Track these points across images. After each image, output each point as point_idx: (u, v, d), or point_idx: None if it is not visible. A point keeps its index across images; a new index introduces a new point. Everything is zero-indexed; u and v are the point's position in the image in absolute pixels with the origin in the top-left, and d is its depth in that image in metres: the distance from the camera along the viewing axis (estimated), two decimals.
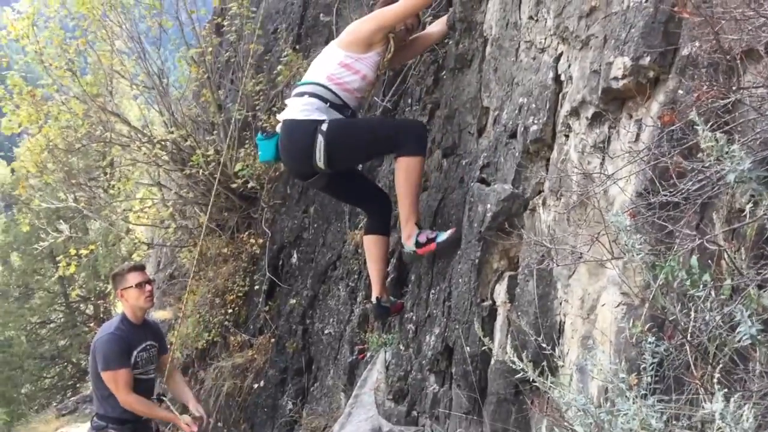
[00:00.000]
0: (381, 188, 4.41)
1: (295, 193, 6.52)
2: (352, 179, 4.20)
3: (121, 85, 8.80)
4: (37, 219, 10.44)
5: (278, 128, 3.95)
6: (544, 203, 2.86)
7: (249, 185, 6.61)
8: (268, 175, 6.68)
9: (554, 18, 2.92)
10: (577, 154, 2.62)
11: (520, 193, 3.06)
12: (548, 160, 2.92)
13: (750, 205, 1.54)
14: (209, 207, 5.38)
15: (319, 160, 3.71)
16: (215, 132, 7.30)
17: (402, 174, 3.69)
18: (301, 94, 3.83)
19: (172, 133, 7.24)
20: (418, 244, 3.65)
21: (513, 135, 3.22)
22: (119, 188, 8.38)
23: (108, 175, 9.30)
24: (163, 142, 7.31)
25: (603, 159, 2.44)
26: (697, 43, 1.95)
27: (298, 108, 3.79)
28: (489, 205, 3.15)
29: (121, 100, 10.51)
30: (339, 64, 3.83)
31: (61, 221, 9.53)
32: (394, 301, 4.20)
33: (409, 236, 3.70)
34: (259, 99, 6.91)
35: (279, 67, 6.55)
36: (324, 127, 3.68)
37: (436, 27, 4.29)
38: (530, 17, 3.22)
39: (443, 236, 3.54)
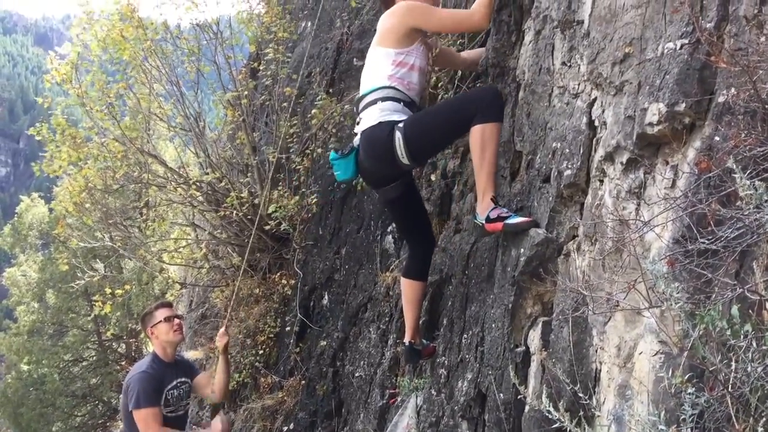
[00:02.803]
0: (433, 234, 4.33)
1: (327, 235, 6.55)
2: (419, 210, 4.17)
3: (159, 127, 9.00)
4: (74, 258, 10.62)
5: (355, 142, 3.92)
6: (578, 248, 2.84)
7: (281, 226, 6.67)
8: (300, 216, 6.73)
9: (588, 64, 2.94)
10: (611, 199, 2.61)
11: (554, 237, 3.04)
12: (582, 204, 2.91)
13: None
14: (246, 250, 5.42)
15: (402, 156, 3.64)
16: (249, 174, 7.40)
17: (477, 143, 3.51)
18: (374, 102, 3.77)
19: (208, 174, 7.36)
20: (488, 219, 3.43)
21: (546, 179, 3.22)
22: (154, 228, 8.51)
23: (144, 215, 9.46)
24: (198, 183, 7.43)
25: (638, 205, 2.42)
26: (733, 91, 1.94)
27: (375, 115, 3.74)
28: (523, 250, 3.13)
29: (158, 141, 10.75)
30: (393, 64, 3.77)
31: (97, 260, 9.69)
32: (426, 344, 4.17)
33: (484, 209, 3.49)
34: (293, 141, 7.01)
35: (313, 110, 6.65)
36: (401, 124, 3.65)
37: (473, 54, 4.34)
38: (563, 63, 3.24)
39: (515, 219, 3.31)
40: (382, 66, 3.80)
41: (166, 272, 10.47)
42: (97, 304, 8.50)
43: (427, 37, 3.97)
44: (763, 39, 1.79)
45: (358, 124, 3.91)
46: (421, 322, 4.28)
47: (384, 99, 3.74)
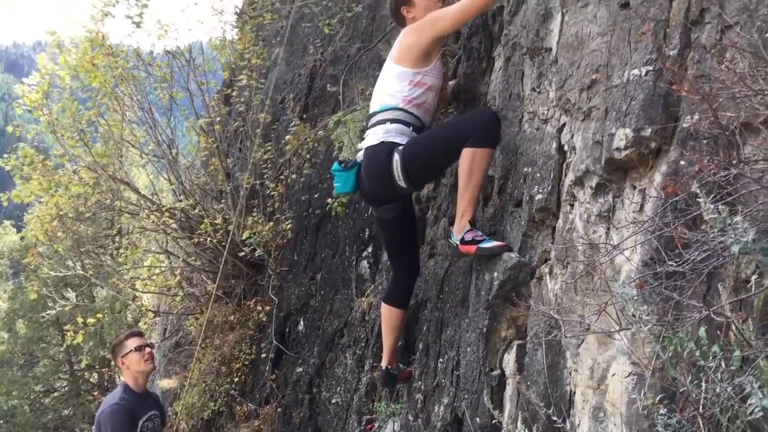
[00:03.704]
0: (419, 262, 4.28)
1: (302, 260, 6.53)
2: (411, 234, 4.11)
3: (131, 154, 8.95)
4: (44, 287, 10.45)
5: (358, 157, 3.89)
6: (550, 272, 2.87)
7: (256, 253, 6.64)
8: (275, 242, 6.71)
9: (556, 90, 2.99)
10: (582, 222, 2.64)
11: (526, 261, 3.07)
12: (554, 228, 2.95)
13: (755, 276, 1.55)
14: (218, 276, 5.38)
15: (399, 179, 3.62)
16: (223, 200, 7.38)
17: (465, 166, 3.46)
18: (383, 121, 3.74)
19: (181, 201, 7.32)
20: (463, 240, 3.44)
21: (518, 204, 3.26)
22: (127, 256, 8.42)
23: (116, 243, 9.36)
24: (171, 210, 7.38)
25: (608, 228, 2.46)
26: (696, 116, 2.00)
27: (380, 134, 3.71)
28: (496, 273, 3.16)
29: (131, 168, 10.67)
30: (411, 84, 3.71)
31: (68, 289, 9.55)
32: (403, 369, 4.16)
33: (459, 230, 3.49)
34: (267, 167, 7.01)
35: (287, 136, 6.67)
36: (400, 147, 3.62)
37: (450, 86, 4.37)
38: (533, 89, 3.30)
39: (488, 243, 3.32)
40: (398, 85, 3.74)
41: (139, 300, 10.35)
42: (68, 333, 8.38)
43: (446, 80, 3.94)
44: (723, 67, 1.84)
45: (363, 139, 3.88)
46: (397, 357, 4.27)
47: (393, 121, 3.70)
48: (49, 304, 9.63)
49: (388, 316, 4.05)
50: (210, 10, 7.97)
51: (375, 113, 3.82)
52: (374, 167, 3.73)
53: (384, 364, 4.08)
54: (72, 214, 7.72)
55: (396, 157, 3.60)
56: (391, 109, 3.73)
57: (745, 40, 1.89)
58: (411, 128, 3.69)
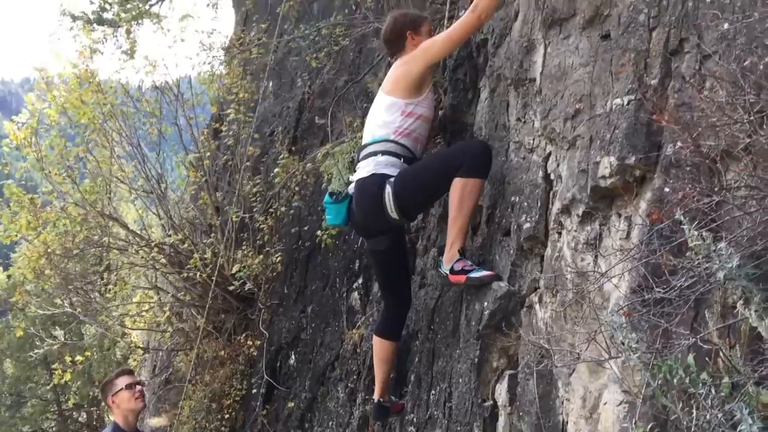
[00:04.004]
0: (411, 295, 4.23)
1: (293, 293, 6.50)
2: (402, 267, 4.10)
3: (120, 189, 8.92)
4: (32, 325, 10.34)
5: (349, 189, 3.89)
6: (540, 300, 2.88)
7: (246, 286, 6.60)
8: (264, 276, 6.68)
9: (541, 120, 3.02)
10: (570, 251, 2.65)
11: (516, 290, 3.08)
12: (542, 257, 2.96)
13: (741, 301, 1.55)
14: (206, 310, 5.34)
15: (392, 210, 3.61)
16: (213, 234, 7.35)
17: (456, 196, 3.46)
18: (374, 153, 3.74)
19: (170, 236, 7.29)
20: (452, 270, 3.44)
21: (507, 233, 3.27)
22: (115, 292, 8.35)
23: (104, 279, 9.29)
24: (160, 246, 7.35)
25: (596, 256, 2.47)
26: (678, 144, 2.02)
27: (371, 166, 3.72)
28: (486, 303, 3.16)
29: (119, 203, 10.63)
30: (402, 115, 3.71)
31: (56, 327, 9.45)
32: (395, 401, 4.13)
33: (449, 259, 3.50)
34: (256, 200, 7.00)
35: (276, 169, 6.68)
36: (391, 179, 3.62)
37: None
38: (518, 119, 3.34)
39: (478, 273, 3.32)
40: (389, 117, 3.75)
41: (128, 337, 10.24)
42: (56, 372, 8.26)
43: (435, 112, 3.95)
44: (703, 96, 1.87)
45: (355, 171, 3.89)
46: (389, 390, 4.24)
47: (384, 153, 3.71)
48: (37, 343, 9.51)
49: (380, 348, 4.02)
50: (198, 45, 8.05)
51: (366, 145, 3.84)
52: (366, 199, 3.73)
53: (376, 396, 4.04)
54: (60, 251, 7.67)
55: (388, 189, 3.61)
56: (382, 141, 3.75)
57: (723, 69, 1.93)
58: (402, 160, 3.70)
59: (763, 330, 1.51)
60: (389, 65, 4.06)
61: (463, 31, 3.59)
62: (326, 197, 3.99)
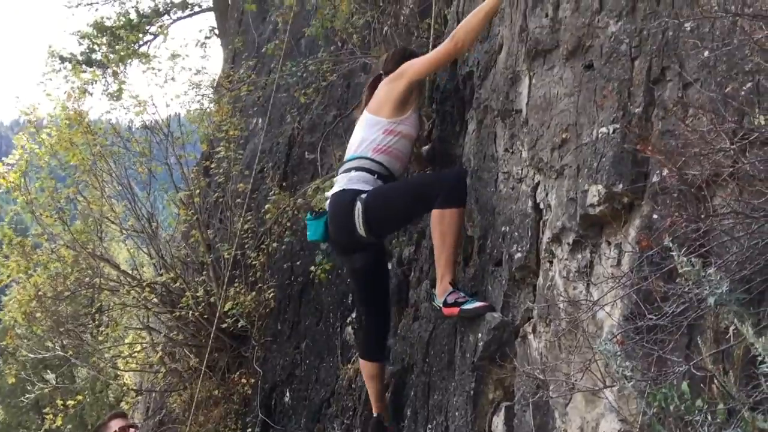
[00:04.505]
0: (389, 315, 4.29)
1: (286, 329, 6.46)
2: (380, 286, 4.14)
3: (111, 229, 8.89)
4: (23, 370, 10.20)
5: (326, 205, 3.92)
6: (534, 330, 2.87)
7: (239, 324, 6.56)
8: (257, 312, 6.64)
9: (529, 150, 3.05)
10: (562, 279, 2.66)
11: (509, 320, 3.07)
12: (535, 286, 2.96)
13: (733, 327, 1.56)
14: (207, 350, 5.28)
15: (359, 227, 3.64)
16: (205, 272, 7.32)
17: (437, 229, 3.51)
18: (349, 170, 3.81)
19: (162, 275, 7.25)
20: (445, 303, 3.44)
21: (498, 263, 3.27)
22: (107, 333, 8.27)
23: (96, 321, 9.21)
24: (152, 285, 7.31)
25: (588, 284, 2.48)
26: (665, 171, 2.04)
27: (344, 181, 3.77)
28: (480, 334, 3.15)
29: (110, 243, 10.59)
30: (384, 133, 3.79)
31: (48, 371, 9.33)
32: (391, 425, 4.11)
33: (441, 292, 3.49)
34: (247, 237, 6.99)
35: (267, 205, 6.68)
36: (363, 195, 3.65)
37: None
38: (506, 149, 3.36)
39: (471, 305, 3.30)
40: (369, 135, 3.83)
41: (120, 379, 10.12)
42: (48, 417, 8.13)
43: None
44: (686, 124, 1.89)
45: (334, 184, 3.93)
46: (386, 406, 4.20)
47: (357, 169, 3.77)
48: (28, 388, 9.38)
49: (367, 369, 4.08)
50: (187, 83, 8.11)
51: (344, 162, 3.93)
52: (337, 214, 3.78)
53: (375, 411, 4.07)
54: (51, 294, 7.61)
55: (358, 204, 3.64)
56: (358, 158, 3.82)
57: (705, 96, 1.96)
58: (375, 176, 3.76)
59: (760, 347, 1.51)
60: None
61: (441, 56, 3.77)
62: (308, 214, 4.06)
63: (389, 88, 3.85)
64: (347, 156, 3.94)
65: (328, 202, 3.90)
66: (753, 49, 1.83)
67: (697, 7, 2.06)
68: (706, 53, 2.09)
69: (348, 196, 3.70)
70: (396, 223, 4.11)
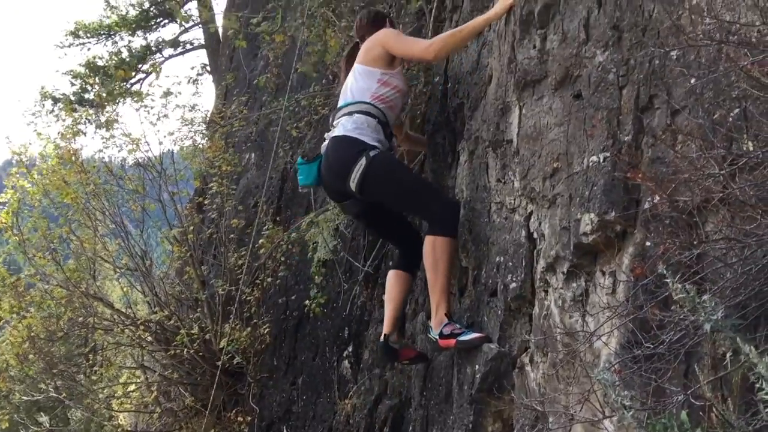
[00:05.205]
0: (413, 226, 4.17)
1: (282, 365, 6.40)
2: (389, 217, 4.04)
3: (104, 268, 8.84)
4: (16, 412, 10.05)
5: (322, 148, 3.87)
6: (531, 360, 2.84)
7: (234, 360, 6.49)
8: (253, 348, 6.57)
9: (521, 180, 3.06)
10: (557, 309, 2.64)
11: (506, 351, 3.04)
12: (531, 316, 2.94)
13: (730, 353, 1.54)
14: (212, 390, 5.20)
15: (353, 181, 3.60)
16: (199, 309, 7.27)
17: (429, 257, 3.50)
18: (350, 113, 3.77)
19: (156, 313, 7.20)
20: (442, 335, 3.39)
21: (494, 293, 3.26)
22: (101, 373, 8.17)
23: (90, 361, 9.11)
24: (146, 323, 7.24)
25: (584, 313, 2.46)
26: (657, 198, 2.04)
27: (349, 125, 3.72)
28: (477, 366, 3.12)
29: (104, 282, 10.51)
30: (378, 83, 3.79)
31: (41, 413, 9.19)
32: (405, 343, 4.00)
33: (437, 324, 3.45)
34: (242, 272, 6.95)
35: (261, 240, 6.66)
36: (372, 153, 3.60)
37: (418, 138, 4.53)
38: (498, 180, 3.37)
39: (467, 336, 3.26)
40: (366, 83, 3.82)
41: (115, 420, 9.97)
42: None
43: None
44: (676, 150, 1.90)
45: (331, 129, 3.89)
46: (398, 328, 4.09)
47: (360, 113, 3.75)
48: (21, 431, 9.22)
49: (393, 280, 3.91)
50: (179, 120, 8.13)
51: (341, 108, 3.89)
52: (337, 157, 3.74)
53: (384, 331, 3.84)
54: (44, 335, 7.53)
55: (363, 159, 3.61)
56: (357, 102, 3.80)
57: (693, 123, 1.97)
58: (377, 121, 3.75)
59: (762, 368, 1.49)
60: None
61: (414, 54, 3.82)
62: (299, 158, 4.02)
63: (376, 41, 3.85)
64: (343, 102, 3.91)
65: (325, 143, 3.86)
66: (739, 75, 1.85)
67: (682, 35, 2.08)
68: (693, 80, 2.11)
69: (355, 146, 3.66)
70: (385, 197, 3.88)
